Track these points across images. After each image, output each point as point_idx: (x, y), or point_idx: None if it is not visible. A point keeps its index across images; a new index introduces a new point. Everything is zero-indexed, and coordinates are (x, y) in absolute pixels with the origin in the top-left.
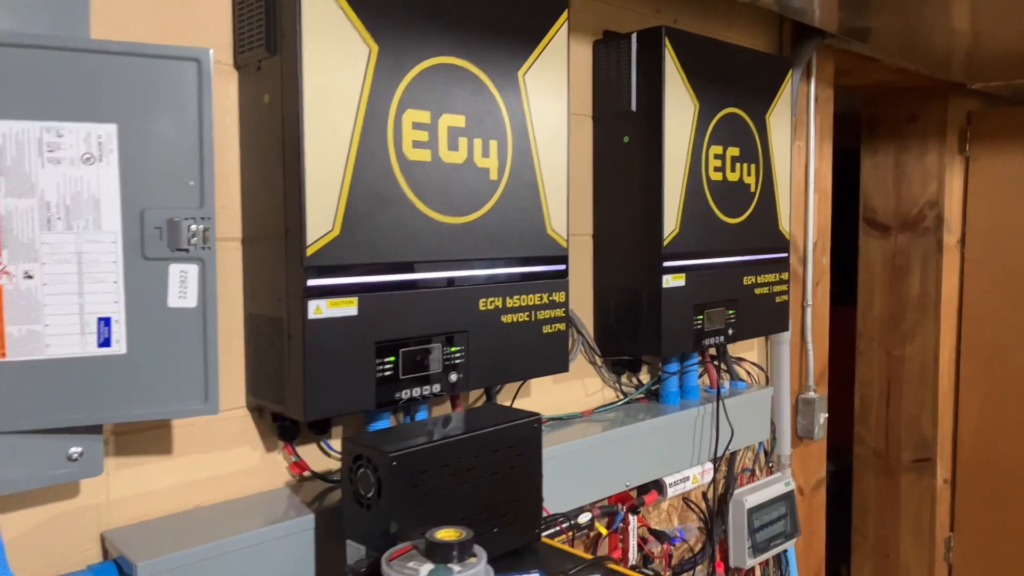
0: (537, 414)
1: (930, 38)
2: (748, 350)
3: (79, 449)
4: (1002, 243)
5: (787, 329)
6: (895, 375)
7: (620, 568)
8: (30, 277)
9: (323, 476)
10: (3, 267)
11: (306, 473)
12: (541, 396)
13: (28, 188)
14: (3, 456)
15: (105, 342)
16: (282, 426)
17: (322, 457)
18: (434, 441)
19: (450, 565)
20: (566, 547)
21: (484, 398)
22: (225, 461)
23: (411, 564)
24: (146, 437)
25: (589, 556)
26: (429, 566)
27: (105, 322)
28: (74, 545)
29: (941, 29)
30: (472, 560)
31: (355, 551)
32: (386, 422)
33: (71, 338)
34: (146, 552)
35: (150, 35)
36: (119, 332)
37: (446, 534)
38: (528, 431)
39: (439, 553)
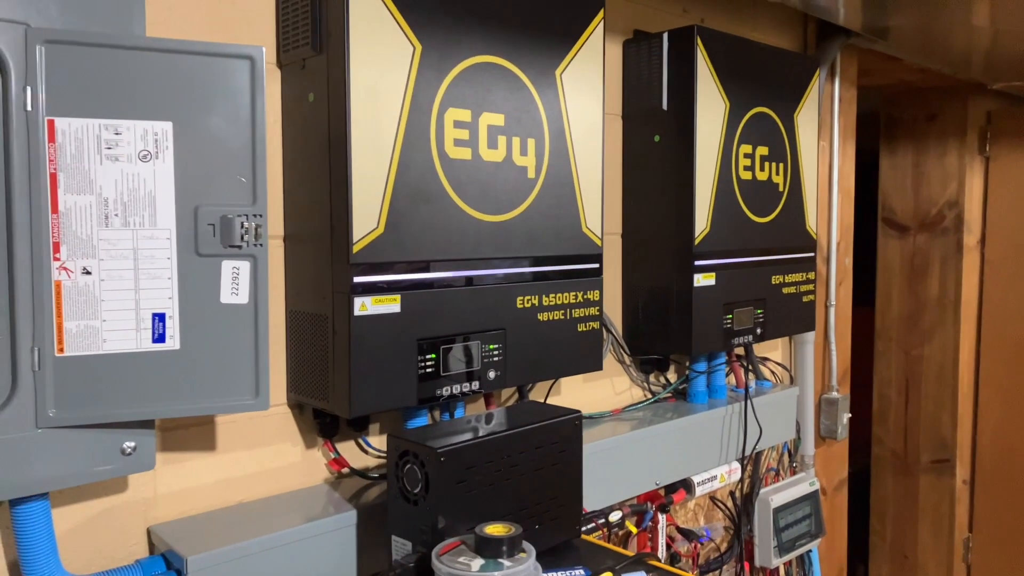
0: (578, 411)
1: (951, 36)
2: (772, 350)
3: (132, 443)
4: (1023, 243)
5: (813, 329)
6: (914, 375)
7: (661, 565)
8: (88, 273)
9: (362, 473)
10: (62, 263)
11: (345, 470)
12: (571, 394)
13: (87, 185)
14: (60, 450)
15: (160, 338)
16: (322, 423)
17: (359, 454)
18: (480, 437)
19: (500, 560)
20: (606, 543)
21: (516, 397)
22: (267, 457)
23: (462, 559)
24: (191, 433)
25: (629, 553)
26: (480, 561)
27: (160, 318)
28: (121, 539)
29: (962, 27)
30: (522, 555)
31: (401, 546)
32: (424, 419)
33: (127, 333)
34: (196, 547)
35: (194, 33)
36: (173, 328)
37: (495, 529)
38: (569, 428)
39: (489, 548)
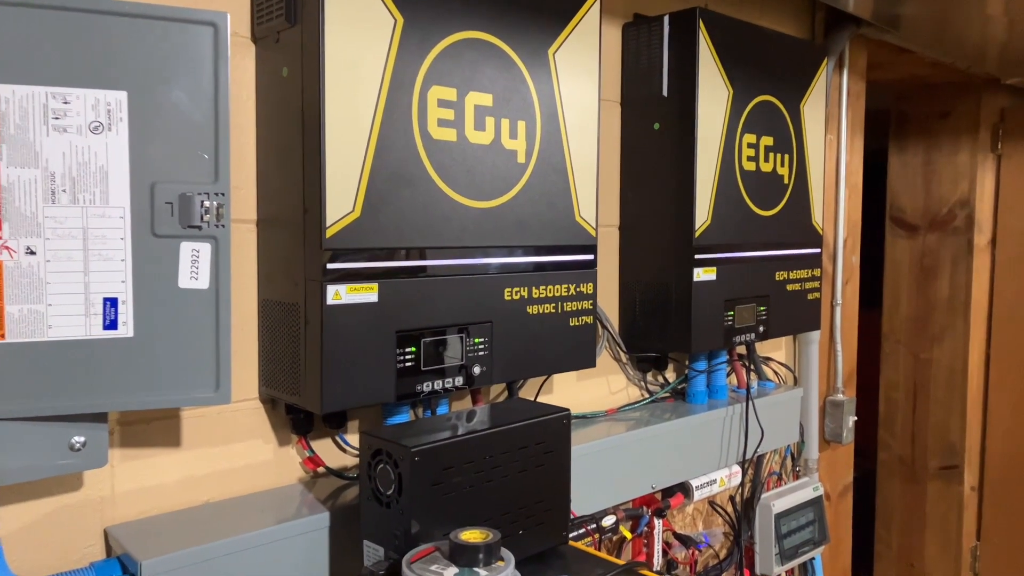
0: (566, 409)
1: (964, 26)
2: (775, 349)
3: (82, 439)
4: None
5: (819, 328)
6: (922, 379)
7: (652, 575)
8: (32, 253)
9: (338, 472)
10: (3, 242)
11: (320, 469)
12: (564, 393)
13: (32, 157)
14: (1, 445)
15: (111, 324)
16: (296, 419)
17: (337, 452)
18: (459, 436)
19: (476, 569)
20: (594, 551)
21: (506, 394)
22: (236, 455)
23: (434, 567)
24: (153, 428)
25: (619, 561)
26: (453, 570)
27: (111, 303)
28: (76, 540)
29: (975, 16)
30: (499, 564)
31: (373, 552)
32: (405, 416)
33: (75, 319)
34: (151, 549)
35: (163, 3)
36: (126, 314)
37: (471, 535)
38: (557, 427)
39: (464, 556)
